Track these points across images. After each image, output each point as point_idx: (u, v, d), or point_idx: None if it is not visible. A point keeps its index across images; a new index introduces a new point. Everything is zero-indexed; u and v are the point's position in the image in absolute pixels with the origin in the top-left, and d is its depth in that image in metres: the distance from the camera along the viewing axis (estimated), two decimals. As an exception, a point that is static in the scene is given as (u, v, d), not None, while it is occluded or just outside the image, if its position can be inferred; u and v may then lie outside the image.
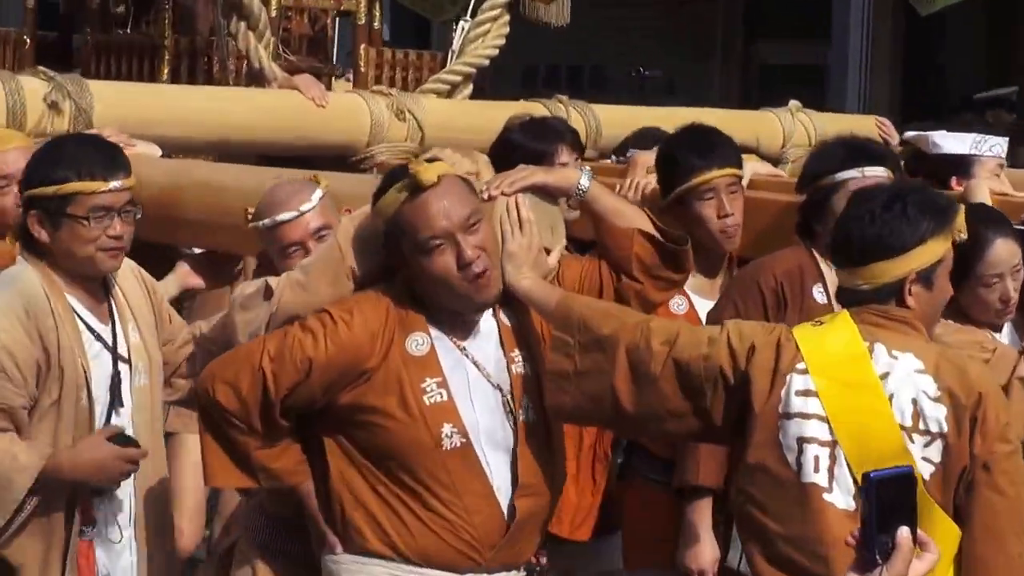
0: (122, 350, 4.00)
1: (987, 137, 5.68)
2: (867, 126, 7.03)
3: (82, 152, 3.93)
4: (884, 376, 3.38)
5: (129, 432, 3.95)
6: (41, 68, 5.45)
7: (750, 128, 6.65)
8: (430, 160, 3.73)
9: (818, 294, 4.38)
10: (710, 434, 3.60)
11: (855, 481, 3.35)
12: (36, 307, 3.86)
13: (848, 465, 3.36)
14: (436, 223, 3.56)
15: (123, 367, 4.00)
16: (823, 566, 3.34)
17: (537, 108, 6.39)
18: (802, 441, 3.39)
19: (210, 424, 3.66)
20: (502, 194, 3.77)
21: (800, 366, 3.41)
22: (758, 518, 3.46)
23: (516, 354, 3.71)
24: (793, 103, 7.20)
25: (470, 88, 6.86)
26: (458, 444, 3.61)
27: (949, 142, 5.70)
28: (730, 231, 4.63)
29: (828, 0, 14.00)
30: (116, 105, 5.41)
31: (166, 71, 6.80)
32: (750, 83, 17.37)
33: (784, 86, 15.46)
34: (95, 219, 3.86)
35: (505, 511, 3.66)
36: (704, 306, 4.62)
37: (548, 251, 3.82)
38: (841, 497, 3.37)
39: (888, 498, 2.34)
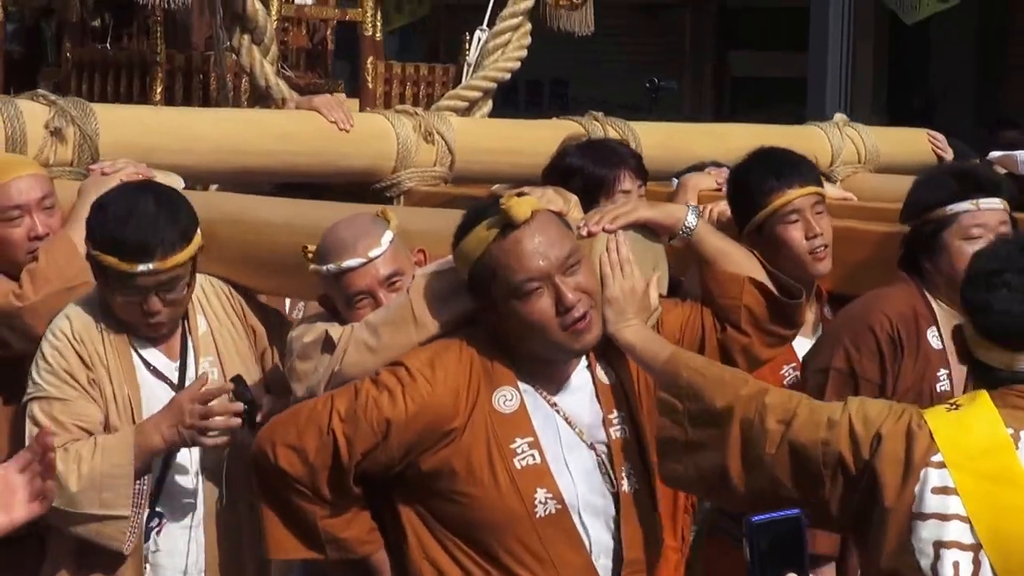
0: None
1: (1081, 154, 5.48)
2: (919, 140, 6.73)
3: (123, 221, 3.71)
4: None
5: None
6: (40, 92, 4.95)
7: (796, 145, 6.20)
8: (519, 195, 3.41)
9: (933, 339, 4.11)
10: (827, 524, 3.25)
11: None
12: (85, 335, 3.78)
13: (994, 572, 2.97)
14: (532, 264, 3.27)
15: None
16: None
17: (572, 127, 5.92)
18: (939, 546, 3.02)
19: (270, 491, 3.38)
20: (603, 230, 3.50)
21: (936, 458, 3.03)
22: None
23: (615, 415, 3.42)
24: (839, 116, 6.80)
25: (489, 105, 6.39)
26: (553, 511, 3.32)
27: None
28: (819, 253, 4.30)
29: (805, 10, 13.59)
30: (124, 131, 4.91)
31: (159, 90, 6.34)
32: (723, 95, 17.01)
33: (760, 99, 15.07)
34: (127, 296, 3.74)
35: None
36: (798, 343, 4.25)
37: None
38: None
39: (769, 543, 2.42)
